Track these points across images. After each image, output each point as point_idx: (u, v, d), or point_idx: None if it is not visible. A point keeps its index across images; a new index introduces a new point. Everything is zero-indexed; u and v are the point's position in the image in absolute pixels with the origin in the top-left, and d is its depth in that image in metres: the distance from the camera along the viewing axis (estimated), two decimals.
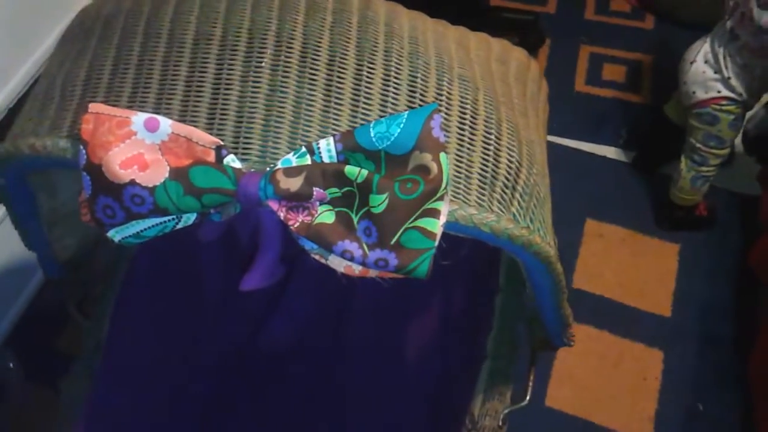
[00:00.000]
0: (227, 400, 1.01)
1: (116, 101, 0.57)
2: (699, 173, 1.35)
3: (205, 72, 0.56)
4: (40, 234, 0.75)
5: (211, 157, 0.54)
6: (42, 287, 1.37)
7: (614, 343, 1.33)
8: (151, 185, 0.53)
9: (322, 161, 0.53)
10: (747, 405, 1.21)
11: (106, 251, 0.90)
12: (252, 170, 0.53)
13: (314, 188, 0.52)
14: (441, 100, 0.57)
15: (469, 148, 0.57)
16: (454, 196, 0.55)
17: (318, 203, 0.53)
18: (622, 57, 1.80)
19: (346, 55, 0.56)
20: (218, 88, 0.55)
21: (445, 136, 0.54)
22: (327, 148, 0.53)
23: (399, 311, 0.96)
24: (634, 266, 1.43)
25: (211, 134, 0.54)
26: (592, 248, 1.46)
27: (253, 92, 0.55)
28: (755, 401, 1.17)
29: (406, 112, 0.53)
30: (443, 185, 0.52)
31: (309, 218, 0.53)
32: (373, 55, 0.57)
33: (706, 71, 1.24)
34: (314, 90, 0.55)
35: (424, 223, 0.52)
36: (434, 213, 0.52)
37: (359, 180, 0.51)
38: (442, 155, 0.52)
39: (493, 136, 0.58)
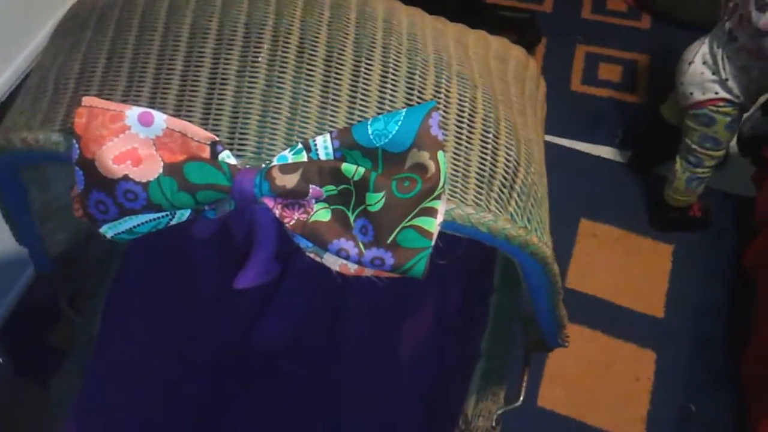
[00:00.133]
0: (221, 397, 1.00)
1: (110, 95, 0.56)
2: (694, 174, 1.35)
3: (200, 66, 0.55)
4: (32, 228, 0.74)
5: (206, 152, 0.53)
6: (33, 282, 1.36)
7: (607, 344, 1.33)
8: (144, 181, 0.52)
9: (319, 158, 0.53)
10: (740, 406, 1.22)
11: (98, 246, 0.89)
12: (247, 167, 0.53)
13: (310, 185, 0.51)
14: (439, 98, 0.57)
15: (466, 147, 0.56)
16: (452, 195, 0.54)
17: (314, 201, 0.53)
18: (618, 56, 1.80)
19: (343, 51, 0.56)
20: (214, 83, 0.55)
21: (443, 134, 0.53)
22: (324, 145, 0.53)
23: (393, 310, 0.96)
24: (627, 266, 1.43)
25: (206, 129, 0.53)
26: (586, 248, 1.46)
27: (249, 88, 0.55)
28: (748, 402, 1.18)
29: (405, 109, 0.53)
30: (441, 184, 0.51)
31: (304, 216, 0.53)
32: (371, 51, 0.56)
33: (704, 72, 1.24)
34: (311, 86, 0.55)
35: (421, 222, 0.51)
36: (431, 212, 0.51)
37: (356, 178, 0.51)
38: (440, 154, 0.52)
39: (491, 135, 0.58)
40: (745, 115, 1.31)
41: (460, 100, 0.57)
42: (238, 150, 0.53)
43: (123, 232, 0.56)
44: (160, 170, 0.52)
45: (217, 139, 0.53)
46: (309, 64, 0.55)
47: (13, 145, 0.58)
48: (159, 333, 0.93)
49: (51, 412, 0.85)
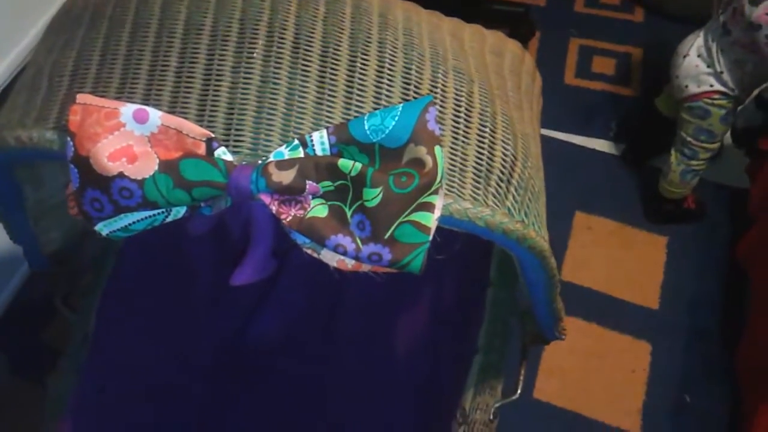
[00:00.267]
0: (217, 394, 1.00)
1: (104, 92, 0.56)
2: (689, 167, 1.35)
3: (195, 63, 0.55)
4: (26, 227, 0.74)
5: (202, 149, 0.53)
6: (27, 280, 1.35)
7: (602, 336, 1.33)
8: (140, 178, 0.52)
9: (315, 154, 0.53)
10: (734, 397, 1.22)
11: (93, 244, 0.89)
12: (243, 163, 0.52)
13: (307, 181, 0.51)
14: (435, 93, 0.57)
15: (463, 142, 0.56)
16: (449, 190, 0.54)
17: (311, 197, 0.52)
18: (611, 49, 1.80)
19: (339, 46, 0.56)
20: (209, 80, 0.55)
21: (440, 129, 0.53)
22: (320, 141, 0.53)
23: (390, 305, 0.96)
24: (622, 259, 1.44)
25: (201, 126, 0.53)
26: (581, 240, 1.46)
27: (244, 84, 0.54)
28: (742, 393, 1.18)
29: (401, 104, 0.53)
30: (438, 179, 0.51)
31: (301, 212, 0.52)
32: (367, 46, 0.56)
33: (699, 65, 1.24)
34: (307, 82, 0.54)
35: (419, 217, 0.51)
36: (429, 207, 0.51)
37: (353, 173, 0.51)
38: (437, 148, 0.52)
39: (488, 130, 0.58)
40: (739, 108, 1.31)
41: (456, 94, 0.57)
42: (234, 146, 0.53)
43: (118, 229, 0.56)
44: (156, 167, 0.52)
45: (213, 135, 0.53)
46: (304, 60, 0.55)
47: (7, 144, 0.58)
48: (155, 330, 0.93)
49: (47, 410, 0.85)
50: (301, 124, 0.54)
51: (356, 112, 0.54)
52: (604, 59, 1.78)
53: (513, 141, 0.59)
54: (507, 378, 0.87)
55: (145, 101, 0.55)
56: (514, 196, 0.57)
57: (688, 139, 1.32)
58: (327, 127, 0.53)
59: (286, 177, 0.51)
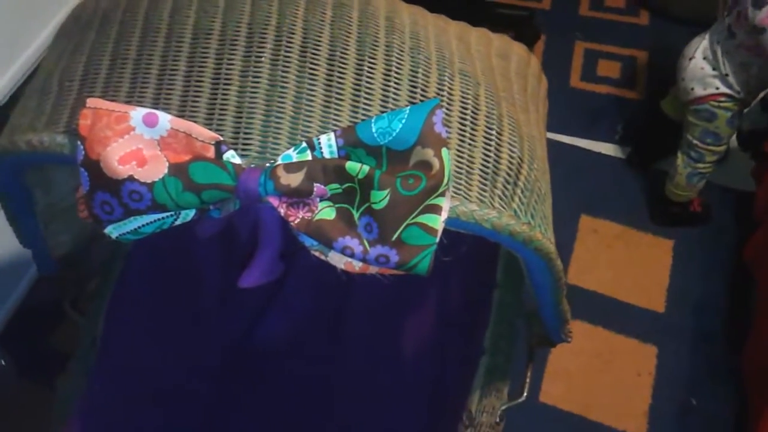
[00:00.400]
0: (224, 396, 1.00)
1: (114, 96, 0.56)
2: (695, 170, 1.35)
3: (204, 67, 0.56)
4: (36, 231, 0.74)
5: (211, 152, 0.53)
6: (35, 284, 1.36)
7: (608, 339, 1.33)
8: (149, 181, 0.52)
9: (323, 157, 0.53)
10: (740, 400, 1.22)
11: (102, 248, 0.89)
12: (252, 166, 0.53)
13: (315, 184, 0.51)
14: (442, 96, 0.57)
15: (470, 144, 0.56)
16: (456, 192, 0.54)
17: (318, 199, 0.53)
18: (617, 53, 1.80)
19: (346, 50, 0.56)
20: (218, 83, 0.55)
21: (446, 131, 0.54)
22: (328, 144, 0.53)
23: (396, 308, 0.96)
24: (628, 262, 1.44)
25: (210, 129, 0.53)
26: (587, 244, 1.47)
27: (252, 87, 0.55)
28: (749, 395, 1.18)
29: (408, 107, 0.53)
30: (445, 181, 0.52)
31: (309, 214, 0.53)
32: (374, 50, 0.56)
33: (705, 68, 1.24)
34: (315, 85, 0.55)
35: (426, 219, 0.52)
36: (436, 209, 0.52)
37: (360, 176, 0.51)
38: (444, 151, 0.52)
39: (494, 132, 0.58)
40: (745, 111, 1.31)
41: (462, 97, 0.58)
42: (243, 149, 0.54)
43: (128, 232, 0.56)
44: (165, 170, 0.52)
45: (222, 138, 0.53)
46: (312, 64, 0.55)
47: (18, 147, 0.58)
48: (162, 333, 0.94)
49: (55, 413, 0.85)
50: (309, 127, 0.54)
51: (363, 115, 0.55)
52: (610, 62, 1.78)
53: (519, 143, 0.59)
54: (513, 380, 0.87)
55: (155, 105, 0.55)
56: (520, 198, 0.57)
57: (695, 141, 1.32)
58: (334, 130, 0.53)
59: (294, 180, 0.51)
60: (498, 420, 0.82)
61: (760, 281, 1.24)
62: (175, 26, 0.58)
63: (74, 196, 0.61)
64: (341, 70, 0.55)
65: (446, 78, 0.58)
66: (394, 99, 0.55)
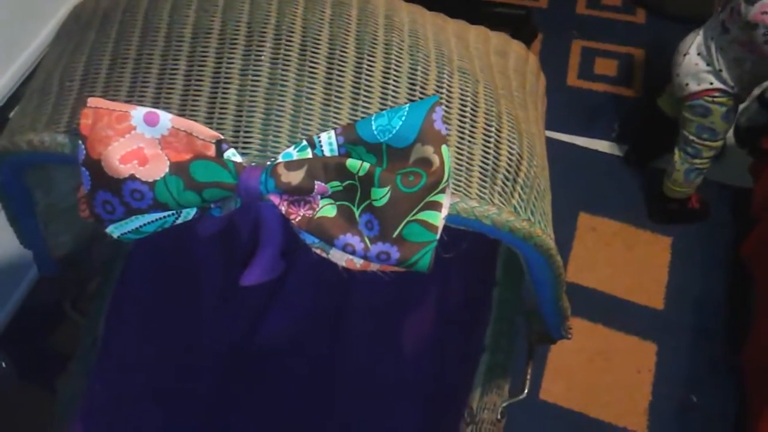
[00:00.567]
0: (225, 395, 1.01)
1: (115, 95, 0.56)
2: (693, 166, 1.35)
3: (204, 66, 0.56)
4: (36, 231, 0.74)
5: (212, 151, 0.53)
6: (36, 285, 1.36)
7: (608, 337, 1.33)
8: (150, 180, 0.52)
9: (324, 155, 0.53)
10: (740, 396, 1.22)
11: (102, 247, 0.89)
12: (253, 164, 0.53)
13: (316, 182, 0.52)
14: (441, 93, 0.57)
15: (469, 141, 0.57)
16: (456, 189, 0.55)
17: (319, 197, 0.53)
18: (614, 51, 1.80)
19: (346, 48, 0.56)
20: (218, 82, 0.55)
21: (446, 128, 0.54)
22: (328, 142, 0.53)
23: (397, 305, 0.96)
24: (627, 259, 1.44)
25: (211, 128, 0.54)
26: (586, 242, 1.47)
27: (252, 86, 0.55)
28: (748, 392, 1.18)
29: (408, 104, 0.53)
30: (445, 178, 0.52)
31: (310, 212, 0.53)
32: (373, 48, 0.57)
33: (699, 63, 1.24)
34: (314, 83, 0.55)
35: (426, 216, 0.52)
36: (436, 206, 0.52)
37: (361, 173, 0.51)
38: (444, 148, 0.52)
39: (493, 129, 0.58)
40: (742, 107, 1.31)
41: (462, 94, 0.58)
42: (243, 148, 0.54)
43: (129, 231, 0.56)
44: (167, 169, 0.53)
45: (222, 137, 0.53)
46: (311, 62, 0.56)
47: (19, 147, 0.58)
48: (164, 332, 0.94)
49: (57, 413, 0.85)
50: (309, 125, 0.54)
51: (363, 113, 0.55)
52: (607, 60, 1.79)
53: (518, 140, 0.60)
54: (513, 378, 0.88)
55: (155, 104, 0.55)
56: (520, 195, 0.58)
57: (691, 137, 1.32)
58: (335, 128, 0.54)
59: (295, 177, 0.51)
60: (499, 417, 0.82)
61: (758, 278, 1.24)
62: (174, 25, 0.58)
63: (75, 196, 0.62)
64: (341, 68, 0.56)
65: (445, 75, 0.58)
66: (394, 97, 0.56)
